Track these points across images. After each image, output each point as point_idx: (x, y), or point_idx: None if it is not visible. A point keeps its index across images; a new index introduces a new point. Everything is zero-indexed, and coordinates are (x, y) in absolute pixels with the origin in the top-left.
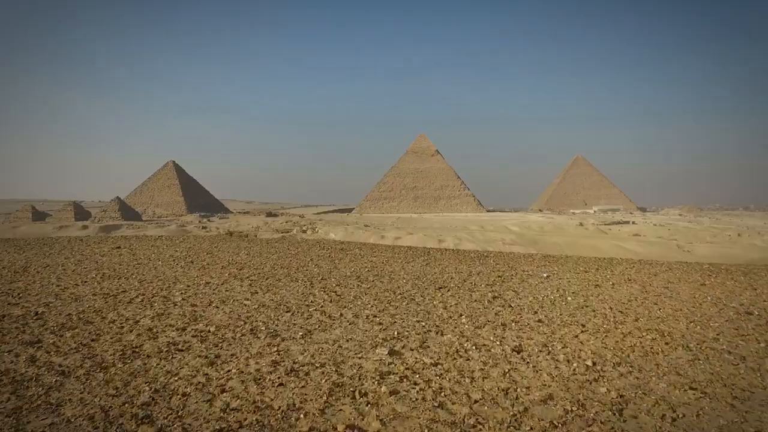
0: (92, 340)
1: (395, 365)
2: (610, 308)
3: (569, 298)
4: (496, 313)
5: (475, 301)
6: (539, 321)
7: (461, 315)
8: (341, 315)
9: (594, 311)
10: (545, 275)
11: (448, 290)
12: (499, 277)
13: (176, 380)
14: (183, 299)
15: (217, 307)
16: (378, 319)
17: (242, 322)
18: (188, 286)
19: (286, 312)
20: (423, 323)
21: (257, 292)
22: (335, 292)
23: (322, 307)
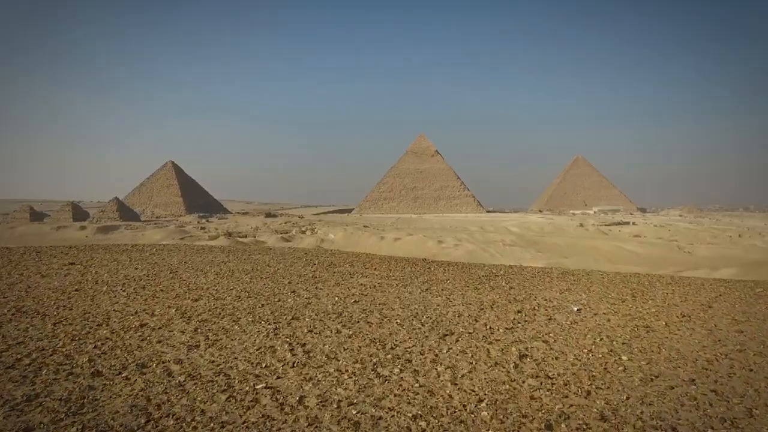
0: None
1: None
2: (692, 381)
3: (624, 358)
4: (531, 396)
5: (496, 364)
6: (601, 418)
7: (480, 400)
8: (300, 400)
9: (672, 388)
10: (576, 309)
11: (457, 340)
12: (518, 312)
13: None
14: (90, 360)
15: (128, 379)
16: (355, 410)
17: (143, 420)
18: (113, 331)
19: (221, 391)
20: (423, 422)
21: (198, 345)
22: (303, 345)
23: (277, 378)
